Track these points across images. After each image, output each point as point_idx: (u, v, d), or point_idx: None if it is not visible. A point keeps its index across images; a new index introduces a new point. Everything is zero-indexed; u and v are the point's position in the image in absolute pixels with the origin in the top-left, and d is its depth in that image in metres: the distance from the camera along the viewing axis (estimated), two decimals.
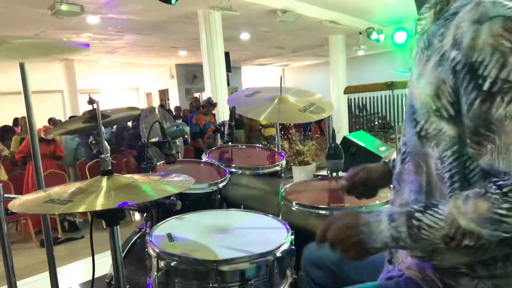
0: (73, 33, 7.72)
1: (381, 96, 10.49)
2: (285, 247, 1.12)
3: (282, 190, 1.86)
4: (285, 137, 5.21)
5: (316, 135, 5.53)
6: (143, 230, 1.78)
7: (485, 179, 0.76)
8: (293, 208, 1.66)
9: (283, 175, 2.08)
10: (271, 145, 2.97)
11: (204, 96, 8.26)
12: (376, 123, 10.38)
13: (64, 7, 4.97)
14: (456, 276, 0.84)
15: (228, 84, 7.58)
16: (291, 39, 10.01)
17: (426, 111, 0.83)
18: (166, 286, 1.09)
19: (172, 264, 1.07)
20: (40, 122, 6.12)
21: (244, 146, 2.43)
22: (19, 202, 1.02)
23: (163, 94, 14.96)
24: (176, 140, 1.93)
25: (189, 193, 1.67)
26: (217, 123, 6.50)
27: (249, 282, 1.04)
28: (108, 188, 1.02)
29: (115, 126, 6.82)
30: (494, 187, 0.71)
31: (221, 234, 1.26)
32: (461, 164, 0.80)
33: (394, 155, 3.80)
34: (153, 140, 1.66)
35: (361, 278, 1.11)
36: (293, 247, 1.15)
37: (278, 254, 1.09)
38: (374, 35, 9.00)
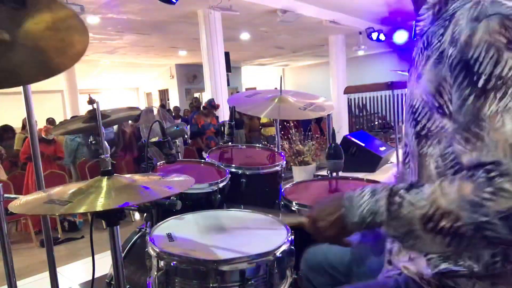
0: None
1: (381, 96, 10.51)
2: (285, 247, 1.12)
3: (282, 190, 1.86)
4: (285, 137, 5.23)
5: (316, 135, 5.55)
6: (143, 230, 1.78)
7: None
8: (293, 208, 1.66)
9: (283, 175, 2.08)
10: (271, 145, 2.98)
11: (204, 96, 8.27)
12: (376, 123, 10.40)
13: None
14: (454, 277, 0.84)
15: (228, 84, 7.59)
16: (291, 39, 10.01)
17: (429, 109, 0.83)
18: (166, 286, 1.09)
19: (172, 264, 1.07)
20: (40, 122, 6.12)
21: (244, 146, 2.43)
22: (19, 203, 1.03)
23: (163, 94, 14.97)
24: (176, 140, 1.93)
25: (189, 193, 1.67)
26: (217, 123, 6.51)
27: (249, 282, 1.04)
28: (108, 189, 1.02)
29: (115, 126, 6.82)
30: (481, 170, 0.70)
31: (221, 234, 1.26)
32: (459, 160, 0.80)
33: (394, 155, 3.80)
34: (153, 140, 1.66)
35: (361, 281, 1.11)
36: (293, 247, 1.15)
37: (278, 254, 1.09)
38: (374, 35, 9.00)
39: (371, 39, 9.03)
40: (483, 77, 0.71)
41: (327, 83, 10.58)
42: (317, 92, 2.56)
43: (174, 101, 13.88)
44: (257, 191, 1.97)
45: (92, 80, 13.27)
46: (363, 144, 3.67)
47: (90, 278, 1.30)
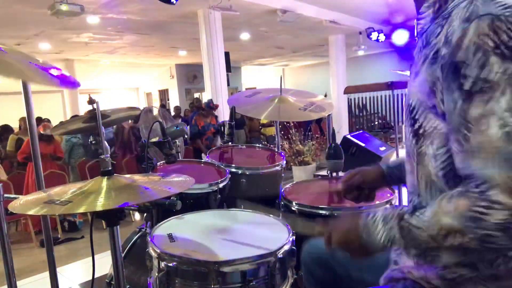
0: (73, 33, 7.71)
1: (381, 96, 10.51)
2: (286, 247, 1.12)
3: (282, 190, 1.86)
4: (285, 137, 5.23)
5: (316, 135, 5.55)
6: (143, 230, 1.78)
7: None
8: (293, 208, 1.66)
9: (283, 175, 2.08)
10: (271, 145, 2.97)
11: (204, 96, 8.26)
12: (376, 123, 10.40)
13: (64, 7, 4.97)
14: (460, 285, 0.84)
15: (228, 84, 7.58)
16: (291, 39, 10.00)
17: (424, 108, 0.84)
18: (167, 287, 1.08)
19: (173, 265, 1.07)
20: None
21: (244, 146, 2.43)
22: (19, 203, 1.02)
23: (163, 94, 14.96)
24: (176, 140, 1.93)
25: (189, 193, 1.67)
26: (217, 123, 6.50)
27: (251, 283, 1.04)
28: (108, 189, 1.02)
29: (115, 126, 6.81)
30: (473, 185, 0.73)
31: (222, 235, 1.26)
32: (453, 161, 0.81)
33: (394, 155, 3.80)
34: (153, 140, 1.66)
35: (362, 275, 1.11)
36: (294, 248, 1.15)
37: (280, 255, 1.09)
38: (374, 35, 9.00)
39: (371, 39, 9.03)
40: (470, 80, 0.72)
41: (327, 83, 10.57)
42: (317, 93, 2.56)
43: (174, 101, 13.87)
44: (257, 191, 1.97)
45: (92, 80, 13.26)
46: (363, 144, 3.67)
47: (90, 278, 1.30)
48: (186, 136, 2.11)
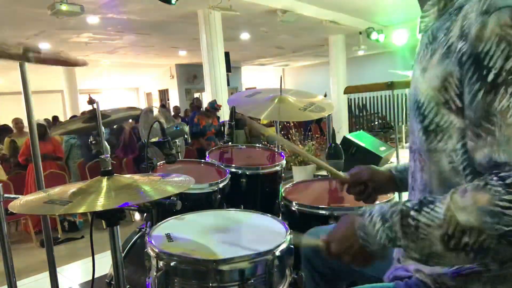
0: (73, 33, 7.73)
1: (381, 96, 10.51)
2: (284, 246, 1.12)
3: (282, 190, 1.86)
4: (285, 137, 5.22)
5: (316, 135, 5.55)
6: (143, 230, 1.78)
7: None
8: (293, 208, 1.66)
9: (283, 175, 2.08)
10: (271, 145, 2.97)
11: (204, 96, 8.26)
12: (376, 123, 10.40)
13: (64, 7, 4.97)
14: (469, 284, 0.82)
15: (228, 84, 7.58)
16: (291, 39, 10.01)
17: (435, 104, 0.82)
18: (165, 286, 1.09)
19: (171, 264, 1.07)
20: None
21: (244, 146, 2.43)
22: (19, 203, 1.03)
23: (163, 94, 14.97)
24: (176, 140, 1.93)
25: (189, 193, 1.67)
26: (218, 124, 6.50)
27: (249, 282, 1.04)
28: (108, 189, 1.02)
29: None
30: (495, 178, 0.68)
31: (221, 234, 1.26)
32: (471, 156, 0.78)
33: (394, 156, 3.80)
34: (153, 140, 1.66)
35: (362, 268, 1.11)
36: (292, 246, 1.15)
37: (278, 253, 1.09)
38: (374, 35, 9.01)
39: (371, 39, 9.04)
40: (493, 71, 0.70)
41: (327, 83, 10.58)
42: (317, 93, 2.56)
43: (174, 101, 13.88)
44: (257, 191, 1.97)
45: (92, 80, 13.28)
46: (363, 144, 3.67)
47: (90, 278, 1.30)
48: (186, 136, 2.11)
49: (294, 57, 13.97)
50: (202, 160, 2.14)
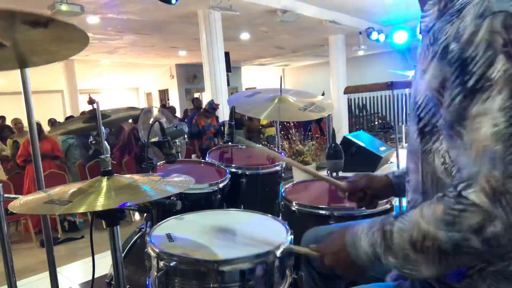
0: None
1: (381, 96, 10.50)
2: (284, 247, 1.12)
3: (282, 190, 1.86)
4: (285, 137, 5.23)
5: (316, 135, 5.55)
6: (143, 230, 1.78)
7: None
8: (293, 208, 1.66)
9: (283, 175, 2.08)
10: (271, 145, 2.98)
11: (204, 96, 8.26)
12: (376, 123, 10.39)
13: (64, 7, 4.97)
14: (474, 282, 0.82)
15: (228, 84, 7.58)
16: (291, 39, 10.01)
17: (433, 105, 0.83)
18: (166, 286, 1.09)
19: (172, 264, 1.07)
20: (42, 122, 6.10)
21: (244, 146, 2.43)
22: (19, 203, 1.02)
23: (163, 94, 14.96)
24: (176, 140, 1.93)
25: (189, 193, 1.67)
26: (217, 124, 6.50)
27: (249, 282, 1.04)
28: (108, 189, 1.02)
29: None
30: (451, 189, 0.74)
31: (221, 234, 1.26)
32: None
33: (394, 156, 3.80)
34: (153, 140, 1.66)
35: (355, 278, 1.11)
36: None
37: (278, 254, 1.09)
38: (374, 35, 9.00)
39: (371, 39, 9.03)
40: (474, 77, 0.71)
41: (327, 83, 10.57)
42: (317, 93, 2.56)
43: (174, 101, 13.88)
44: (257, 191, 1.97)
45: (92, 80, 13.27)
46: (363, 144, 3.67)
47: (90, 278, 1.30)
48: (185, 136, 2.11)
49: (294, 57, 13.97)
50: (202, 160, 2.14)
